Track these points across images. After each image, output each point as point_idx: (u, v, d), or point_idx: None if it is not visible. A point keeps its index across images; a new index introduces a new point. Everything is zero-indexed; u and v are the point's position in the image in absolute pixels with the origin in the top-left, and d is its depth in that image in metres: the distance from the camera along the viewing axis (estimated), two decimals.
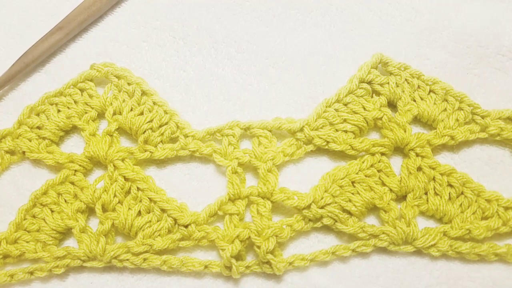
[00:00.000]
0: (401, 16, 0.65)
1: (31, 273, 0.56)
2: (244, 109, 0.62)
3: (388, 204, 0.56)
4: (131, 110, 0.59)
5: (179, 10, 0.66)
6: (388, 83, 0.59)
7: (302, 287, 0.56)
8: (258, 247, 0.54)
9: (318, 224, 0.56)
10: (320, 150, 0.59)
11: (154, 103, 0.59)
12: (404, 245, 0.56)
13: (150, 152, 0.58)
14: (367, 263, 0.57)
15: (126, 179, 0.57)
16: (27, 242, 0.56)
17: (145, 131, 0.58)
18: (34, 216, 0.57)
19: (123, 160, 0.58)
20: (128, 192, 0.57)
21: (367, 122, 0.58)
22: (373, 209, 0.57)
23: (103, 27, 0.65)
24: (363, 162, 0.57)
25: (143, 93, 0.60)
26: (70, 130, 0.61)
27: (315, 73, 0.63)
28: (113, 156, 0.58)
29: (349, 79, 0.60)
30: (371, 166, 0.57)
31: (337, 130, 0.58)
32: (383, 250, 0.57)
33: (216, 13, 0.65)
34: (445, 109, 0.59)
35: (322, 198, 0.55)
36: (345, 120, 0.58)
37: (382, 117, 0.58)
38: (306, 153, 0.59)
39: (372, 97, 0.59)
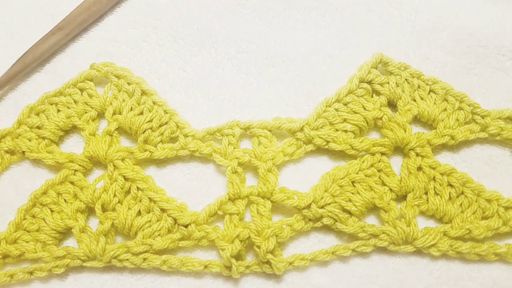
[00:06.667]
0: (401, 16, 0.65)
1: (31, 273, 0.56)
2: (244, 109, 0.62)
3: (388, 204, 0.56)
4: (131, 109, 0.59)
5: (179, 10, 0.66)
6: (388, 82, 0.59)
7: (302, 287, 0.56)
8: (258, 247, 0.54)
9: (318, 224, 0.56)
10: (320, 150, 0.59)
11: (154, 103, 0.59)
12: (404, 245, 0.56)
13: (150, 152, 0.58)
14: (367, 263, 0.57)
15: (126, 179, 0.57)
16: (26, 242, 0.56)
17: (145, 131, 0.58)
18: (33, 216, 0.57)
19: (123, 160, 0.58)
20: (128, 192, 0.57)
21: (367, 122, 0.58)
22: (373, 209, 0.57)
23: (103, 27, 0.65)
24: (363, 162, 0.57)
25: (143, 93, 0.60)
26: (70, 130, 0.61)
27: (315, 73, 0.63)
28: (113, 156, 0.57)
29: (349, 79, 0.60)
30: (371, 165, 0.57)
31: (337, 130, 0.58)
32: (383, 250, 0.56)
33: (216, 13, 0.65)
34: (445, 109, 0.59)
35: (322, 198, 0.55)
36: (345, 120, 0.58)
37: (382, 117, 0.58)
38: (306, 153, 0.59)
39: (372, 96, 0.59)
